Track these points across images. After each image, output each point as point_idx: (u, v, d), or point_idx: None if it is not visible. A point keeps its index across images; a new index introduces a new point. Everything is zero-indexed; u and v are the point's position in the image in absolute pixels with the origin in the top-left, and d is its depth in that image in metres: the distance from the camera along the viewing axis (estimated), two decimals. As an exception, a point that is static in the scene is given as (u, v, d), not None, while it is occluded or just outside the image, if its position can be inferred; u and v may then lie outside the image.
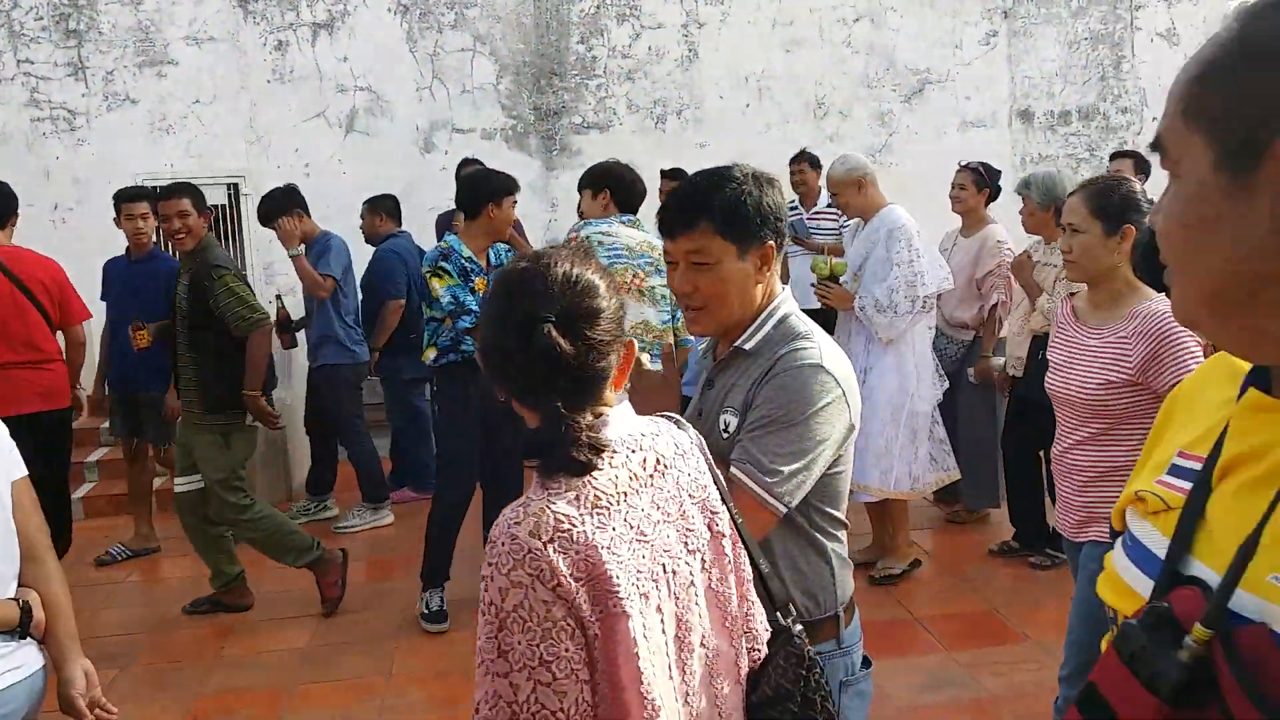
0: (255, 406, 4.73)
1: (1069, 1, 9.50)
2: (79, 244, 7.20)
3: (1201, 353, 2.56)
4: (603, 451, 1.37)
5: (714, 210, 1.86)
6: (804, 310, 5.55)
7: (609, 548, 1.32)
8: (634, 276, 4.18)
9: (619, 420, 1.44)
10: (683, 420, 1.61)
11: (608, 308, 1.41)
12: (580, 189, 4.52)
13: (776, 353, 1.86)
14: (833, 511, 1.93)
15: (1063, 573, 4.84)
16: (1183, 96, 0.81)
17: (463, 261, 4.39)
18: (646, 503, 1.40)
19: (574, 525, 1.30)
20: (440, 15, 8.58)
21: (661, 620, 1.39)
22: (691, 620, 1.45)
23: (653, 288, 4.15)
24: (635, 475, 1.40)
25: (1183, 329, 2.53)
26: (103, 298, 5.69)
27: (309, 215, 6.01)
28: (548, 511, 1.30)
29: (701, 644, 1.47)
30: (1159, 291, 2.71)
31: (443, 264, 4.32)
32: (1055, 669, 2.86)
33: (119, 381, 5.56)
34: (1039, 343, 4.69)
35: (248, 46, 8.39)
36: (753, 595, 1.61)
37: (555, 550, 1.27)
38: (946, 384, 5.02)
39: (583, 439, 1.34)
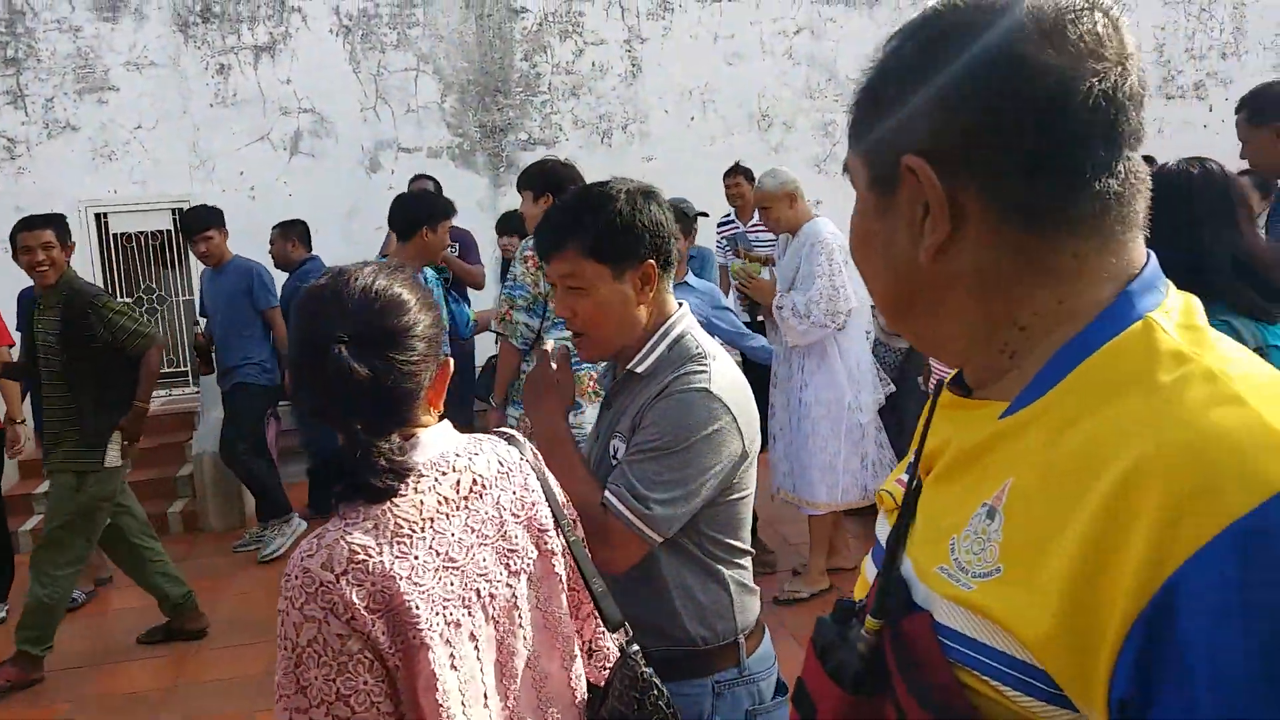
0: (144, 418, 4.74)
1: (1003, 10, 9.69)
2: (23, 273, 7.11)
3: None
4: (406, 476, 1.32)
5: (582, 232, 1.78)
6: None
7: (409, 577, 1.28)
8: None
9: (431, 441, 1.39)
10: (516, 436, 1.56)
11: (415, 324, 1.35)
12: (520, 189, 4.26)
13: (667, 377, 1.77)
14: (730, 540, 1.84)
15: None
16: (849, 120, 0.87)
17: None
18: (458, 527, 1.36)
19: (370, 556, 1.26)
20: (383, 35, 8.59)
21: (477, 647, 1.36)
22: (515, 645, 1.42)
23: None
24: (445, 499, 1.36)
25: None
26: (19, 328, 5.58)
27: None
28: (342, 543, 1.26)
29: (528, 667, 1.44)
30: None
31: None
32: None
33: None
34: None
35: (189, 71, 8.34)
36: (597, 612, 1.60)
37: (349, 583, 1.24)
38: (892, 387, 5.10)
39: (381, 464, 1.29)
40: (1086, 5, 0.76)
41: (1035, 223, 0.77)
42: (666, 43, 9.01)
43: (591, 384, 3.67)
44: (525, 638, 1.44)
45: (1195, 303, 0.79)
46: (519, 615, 1.43)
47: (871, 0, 9.36)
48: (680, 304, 1.91)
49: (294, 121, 8.51)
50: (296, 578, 1.25)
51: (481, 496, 1.41)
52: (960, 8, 0.79)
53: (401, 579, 1.27)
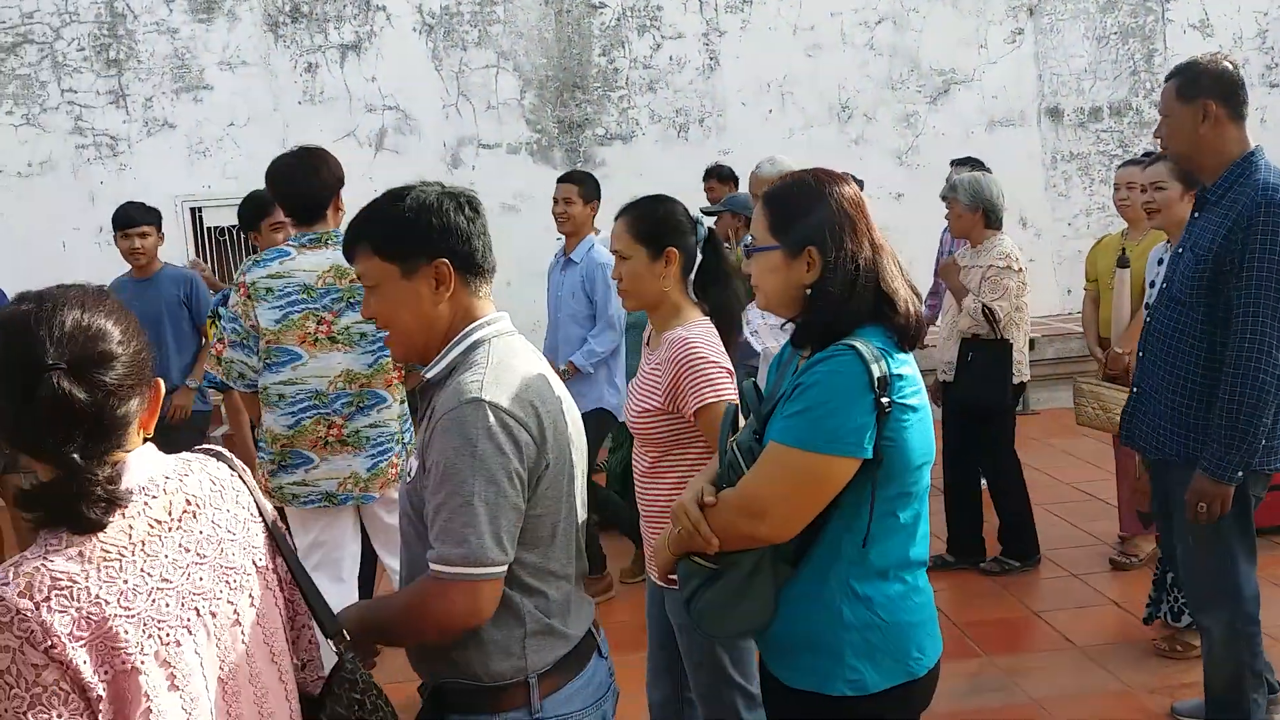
0: None
1: (1096, -4, 9.42)
2: (123, 266, 7.43)
3: (727, 377, 2.51)
4: (122, 506, 1.30)
5: (371, 231, 1.79)
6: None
7: (118, 602, 1.27)
8: (318, 323, 3.35)
9: (140, 465, 1.37)
10: (225, 452, 1.55)
11: (126, 349, 1.34)
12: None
13: (448, 392, 1.72)
14: (529, 557, 1.73)
15: (1067, 584, 4.84)
16: None
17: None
18: (172, 548, 1.36)
19: (75, 582, 1.25)
20: (464, 33, 8.73)
21: (202, 665, 1.36)
22: (237, 660, 1.43)
23: (346, 328, 3.35)
24: (157, 522, 1.35)
25: (705, 354, 2.50)
26: None
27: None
28: (43, 570, 1.24)
29: (250, 682, 1.45)
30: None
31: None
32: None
33: None
34: (967, 345, 4.76)
35: (279, 69, 8.60)
36: (312, 623, 1.61)
37: (50, 610, 1.22)
38: None
39: (98, 494, 1.27)
40: None
41: None
42: (745, 35, 8.97)
43: (398, 374, 3.43)
44: (248, 654, 1.45)
45: None
46: (241, 632, 1.44)
47: (956, -11, 9.19)
48: (499, 313, 1.85)
49: (379, 119, 8.71)
50: None
51: (196, 516, 1.41)
52: None
53: (109, 604, 1.27)
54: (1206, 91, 2.91)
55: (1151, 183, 3.95)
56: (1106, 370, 4.66)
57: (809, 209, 1.89)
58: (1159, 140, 3.14)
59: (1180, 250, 3.05)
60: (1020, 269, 4.74)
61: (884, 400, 1.73)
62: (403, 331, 1.82)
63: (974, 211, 4.80)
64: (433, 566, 1.66)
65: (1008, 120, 9.36)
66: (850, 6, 9.06)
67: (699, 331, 2.59)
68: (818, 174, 1.94)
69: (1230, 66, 2.96)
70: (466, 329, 1.80)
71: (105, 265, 7.82)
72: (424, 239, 1.77)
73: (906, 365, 1.84)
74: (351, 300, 3.32)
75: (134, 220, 5.31)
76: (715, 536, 1.84)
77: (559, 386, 1.87)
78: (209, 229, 8.77)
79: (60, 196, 8.41)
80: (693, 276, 2.72)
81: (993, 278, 4.68)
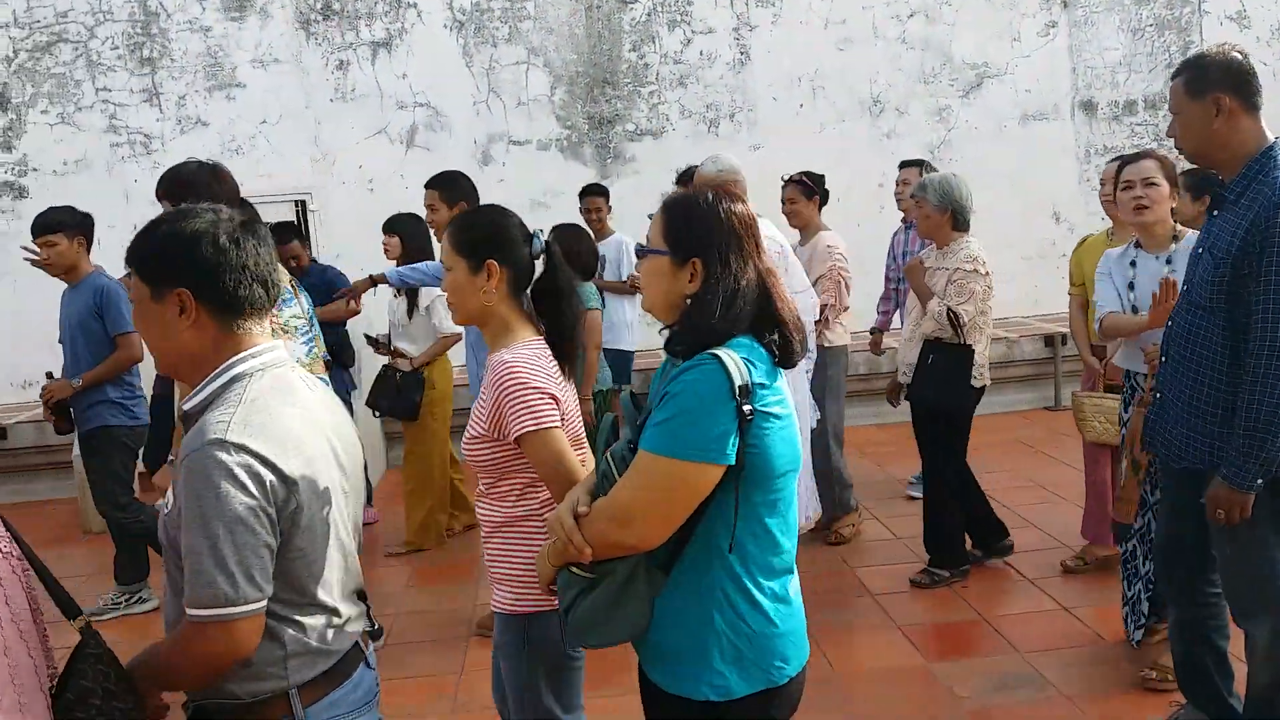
0: None
1: (1131, -12, 9.32)
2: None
3: (550, 403, 2.38)
4: None
5: (133, 251, 1.81)
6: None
7: None
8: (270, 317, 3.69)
9: None
10: None
11: None
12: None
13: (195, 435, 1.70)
14: (293, 598, 1.75)
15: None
16: None
17: None
18: None
19: None
20: (495, 30, 8.74)
21: None
22: (10, 636, 1.52)
23: (287, 320, 3.44)
24: None
25: (525, 379, 2.36)
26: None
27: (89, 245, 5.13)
28: None
29: (5, 656, 1.53)
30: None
31: None
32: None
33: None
34: (929, 348, 4.67)
35: (311, 67, 8.65)
36: (42, 621, 1.67)
37: None
38: (819, 414, 5.15)
39: None
40: None
41: None
42: (776, 29, 8.93)
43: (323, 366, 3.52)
44: (16, 629, 1.56)
45: None
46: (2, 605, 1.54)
47: (989, -19, 9.10)
48: (271, 343, 1.84)
49: (410, 115, 8.74)
50: None
51: None
52: None
53: None
54: (1217, 85, 2.78)
55: (1143, 178, 3.70)
56: (1106, 380, 4.51)
57: (701, 222, 1.94)
58: (1173, 139, 3.00)
59: (1199, 251, 2.94)
60: (987, 273, 4.64)
61: (745, 408, 1.78)
62: (156, 351, 1.83)
63: (943, 212, 4.69)
64: (188, 611, 1.67)
65: (1041, 114, 9.28)
66: (882, 0, 9.00)
67: (523, 354, 2.42)
68: (716, 190, 2.00)
69: (1240, 56, 2.83)
70: (229, 361, 1.78)
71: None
72: (167, 269, 1.76)
73: (773, 375, 1.89)
74: (284, 297, 3.39)
75: (36, 229, 4.95)
76: (587, 546, 1.88)
77: (332, 421, 1.87)
78: (242, 226, 8.83)
79: (95, 194, 8.46)
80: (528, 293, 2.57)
81: (959, 281, 4.59)
